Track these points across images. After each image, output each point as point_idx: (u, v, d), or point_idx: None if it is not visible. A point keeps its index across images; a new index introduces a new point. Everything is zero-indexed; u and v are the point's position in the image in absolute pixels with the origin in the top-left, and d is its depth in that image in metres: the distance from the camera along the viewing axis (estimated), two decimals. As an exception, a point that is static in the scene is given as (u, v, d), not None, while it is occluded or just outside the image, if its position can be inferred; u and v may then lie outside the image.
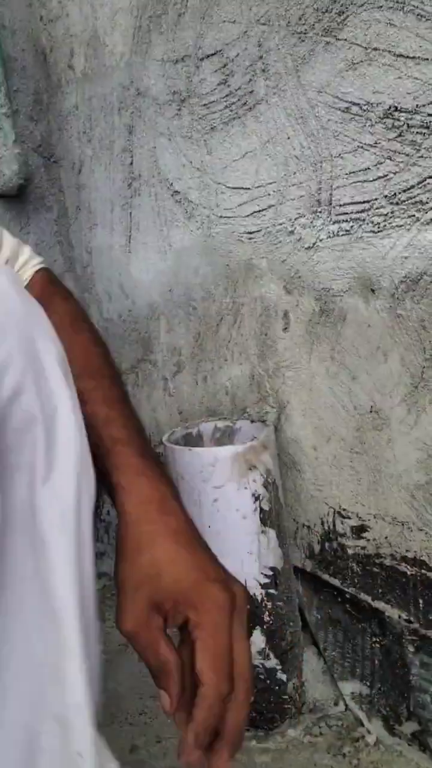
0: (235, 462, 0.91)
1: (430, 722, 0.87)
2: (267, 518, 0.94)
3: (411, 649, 0.87)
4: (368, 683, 0.95)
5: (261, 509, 0.93)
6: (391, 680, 0.92)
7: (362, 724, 0.96)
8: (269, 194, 0.91)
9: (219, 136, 0.96)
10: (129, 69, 1.11)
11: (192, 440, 1.05)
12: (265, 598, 0.95)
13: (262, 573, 0.94)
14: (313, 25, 0.79)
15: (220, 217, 1.00)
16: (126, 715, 1.07)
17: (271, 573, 0.95)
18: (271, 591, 0.95)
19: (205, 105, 0.97)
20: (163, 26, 1.01)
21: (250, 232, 0.96)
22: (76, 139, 1.29)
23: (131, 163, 1.16)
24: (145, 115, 1.10)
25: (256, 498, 0.93)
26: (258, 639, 0.95)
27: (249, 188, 0.93)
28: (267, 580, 0.95)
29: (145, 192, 1.15)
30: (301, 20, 0.80)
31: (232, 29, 0.89)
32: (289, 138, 0.86)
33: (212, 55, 0.93)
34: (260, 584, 0.94)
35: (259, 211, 0.93)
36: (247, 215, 0.95)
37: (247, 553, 0.93)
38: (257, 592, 0.94)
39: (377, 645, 0.93)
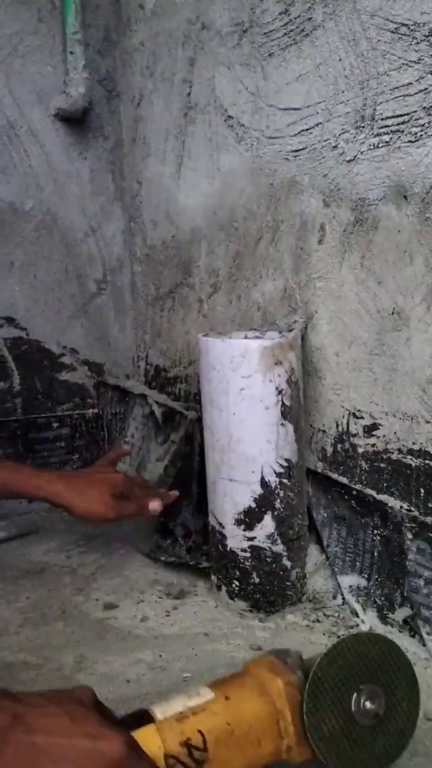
0: (263, 355, 0.99)
1: (421, 606, 0.94)
2: (287, 413, 1.02)
3: (409, 536, 0.95)
4: (366, 575, 1.03)
5: (283, 403, 1.01)
6: (388, 569, 0.99)
7: (357, 615, 1.04)
8: (318, 113, 0.99)
9: (275, 62, 1.05)
10: (197, 4, 1.20)
11: (223, 345, 1.14)
12: (278, 486, 1.03)
13: (277, 462, 1.02)
14: None
15: (269, 137, 1.09)
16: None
17: (285, 464, 1.03)
18: (284, 481, 1.03)
19: (265, 34, 1.06)
20: (233, -39, 1.11)
21: (296, 151, 1.04)
22: (139, 74, 1.39)
23: (189, 94, 1.26)
24: (207, 47, 1.19)
25: (279, 392, 1.01)
26: (268, 523, 1.03)
27: (299, 108, 1.02)
28: (282, 470, 1.03)
29: (199, 120, 1.25)
30: None
31: (298, -39, 0.98)
32: (340, 59, 0.94)
33: (277, -15, 1.02)
34: (275, 472, 1.02)
35: (307, 129, 1.02)
36: (295, 134, 1.04)
37: (266, 441, 1.02)
38: (272, 479, 1.02)
39: (378, 537, 1.01)
